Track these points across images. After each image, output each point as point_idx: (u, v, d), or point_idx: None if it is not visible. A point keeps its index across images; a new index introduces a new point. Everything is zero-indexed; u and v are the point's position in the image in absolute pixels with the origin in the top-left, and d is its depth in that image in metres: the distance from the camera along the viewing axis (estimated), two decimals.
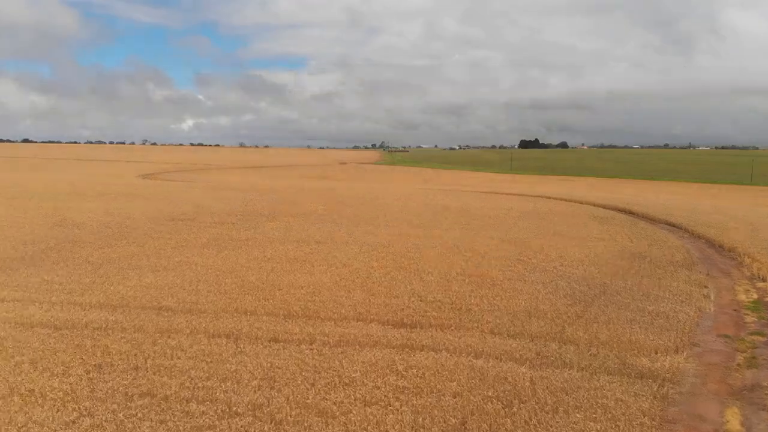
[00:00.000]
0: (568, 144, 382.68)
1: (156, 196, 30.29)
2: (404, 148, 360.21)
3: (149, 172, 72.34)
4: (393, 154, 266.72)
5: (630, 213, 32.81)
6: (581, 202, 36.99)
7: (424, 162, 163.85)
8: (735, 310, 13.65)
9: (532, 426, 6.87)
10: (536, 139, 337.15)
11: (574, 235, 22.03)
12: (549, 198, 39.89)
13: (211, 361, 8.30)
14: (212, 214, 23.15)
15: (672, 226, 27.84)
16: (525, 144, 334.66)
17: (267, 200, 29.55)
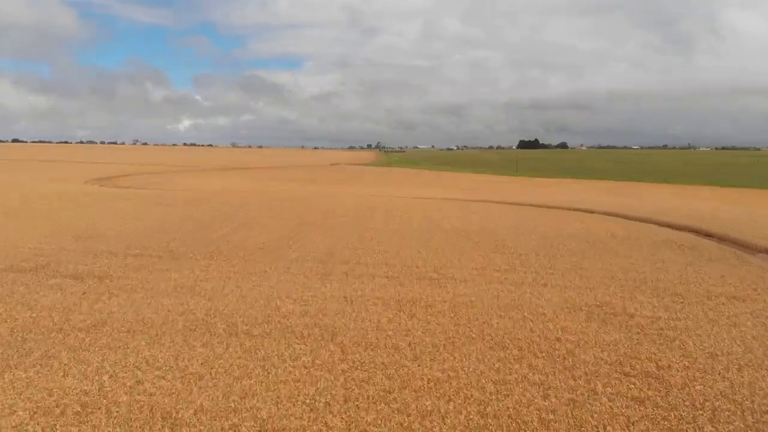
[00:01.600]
0: (568, 144, 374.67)
1: (48, 215, 21.39)
2: (400, 148, 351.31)
3: (111, 175, 63.41)
4: (389, 154, 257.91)
5: (707, 235, 24.34)
6: (632, 218, 28.36)
7: (422, 163, 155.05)
8: None
9: None
10: (536, 140, 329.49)
11: (683, 288, 13.32)
12: (586, 211, 31.24)
13: None
14: (85, 254, 14.29)
15: None
16: (524, 144, 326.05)
17: (201, 221, 20.68)
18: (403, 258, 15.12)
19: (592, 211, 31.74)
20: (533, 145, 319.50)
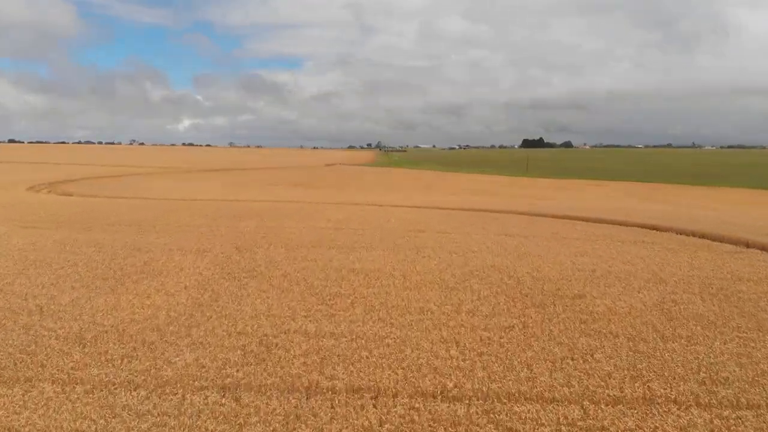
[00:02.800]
0: (573, 143, 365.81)
1: None
2: (401, 148, 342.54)
3: (72, 177, 55.74)
4: (389, 154, 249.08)
5: None
6: (721, 238, 20.53)
7: (423, 163, 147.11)
8: None
9: None
10: (541, 138, 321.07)
11: None
12: (649, 227, 23.41)
13: None
14: None
15: None
16: (528, 143, 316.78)
17: (79, 261, 12.90)
18: (414, 362, 7.28)
19: (654, 227, 23.92)
20: (538, 144, 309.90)
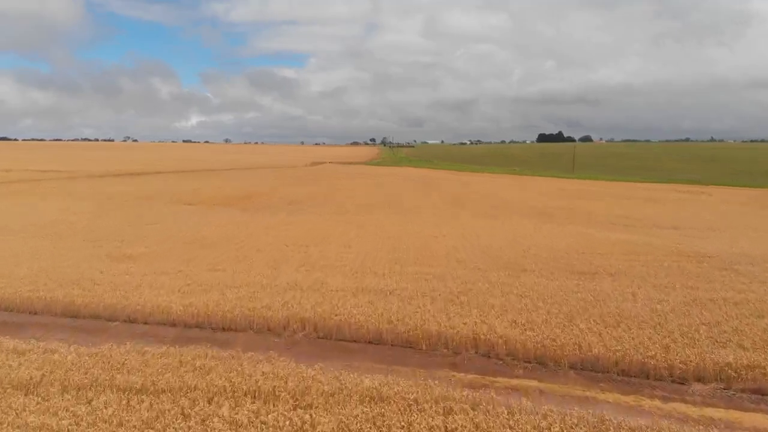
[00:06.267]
0: (592, 138, 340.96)
1: None
2: (409, 144, 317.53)
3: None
4: (395, 150, 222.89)
5: None
6: None
7: (435, 161, 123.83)
8: None
9: None
10: (560, 133, 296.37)
11: None
12: None
13: None
14: None
15: None
16: (544, 138, 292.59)
17: None
18: None
19: None
20: (556, 138, 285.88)
